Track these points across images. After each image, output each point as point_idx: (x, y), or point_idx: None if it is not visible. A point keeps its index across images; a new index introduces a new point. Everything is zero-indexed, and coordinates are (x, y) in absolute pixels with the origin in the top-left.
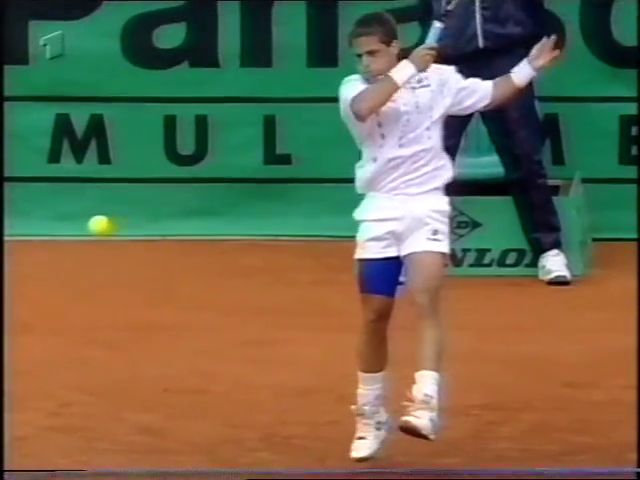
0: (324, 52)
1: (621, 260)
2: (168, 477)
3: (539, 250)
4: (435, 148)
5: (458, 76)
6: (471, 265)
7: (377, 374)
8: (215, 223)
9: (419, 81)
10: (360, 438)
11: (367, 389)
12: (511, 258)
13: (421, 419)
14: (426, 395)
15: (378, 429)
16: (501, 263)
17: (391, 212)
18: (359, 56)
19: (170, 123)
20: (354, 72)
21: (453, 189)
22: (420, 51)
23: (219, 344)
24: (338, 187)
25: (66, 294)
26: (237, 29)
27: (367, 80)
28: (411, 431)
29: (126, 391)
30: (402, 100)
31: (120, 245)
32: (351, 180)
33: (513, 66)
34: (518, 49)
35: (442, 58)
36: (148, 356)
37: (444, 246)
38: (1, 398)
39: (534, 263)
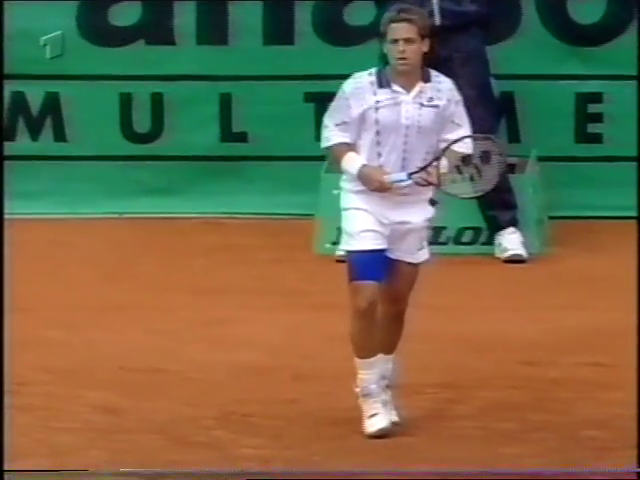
0: (280, 30)
1: (577, 238)
2: (168, 477)
3: (495, 228)
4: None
5: (460, 110)
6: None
7: (374, 358)
8: (172, 201)
9: (429, 99)
10: (373, 415)
11: (368, 373)
12: (467, 236)
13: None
14: (390, 380)
15: (384, 406)
16: (457, 241)
17: (388, 215)
18: (395, 41)
19: (126, 101)
20: (310, 50)
21: None
22: (376, 177)
23: (177, 323)
24: (294, 165)
25: (23, 273)
26: (193, 7)
27: (380, 75)
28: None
29: (84, 370)
30: (406, 114)
31: (77, 223)
32: (307, 158)
33: (469, 43)
34: (474, 27)
35: None
36: (106, 335)
37: (427, 252)
38: (1, 398)
39: (490, 241)
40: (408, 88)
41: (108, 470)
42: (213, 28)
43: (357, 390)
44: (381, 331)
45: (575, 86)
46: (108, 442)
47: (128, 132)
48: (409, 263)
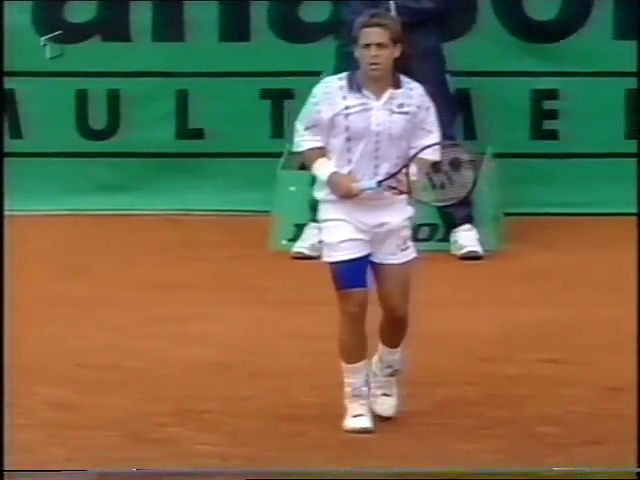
0: (236, 27)
1: (533, 235)
2: (168, 477)
3: (451, 225)
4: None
5: (430, 117)
6: None
7: (361, 363)
8: (128, 198)
9: (400, 106)
10: (357, 416)
11: (356, 377)
12: (423, 233)
13: (391, 396)
14: (395, 370)
15: (369, 409)
16: (413, 238)
17: (363, 219)
18: (367, 46)
19: (82, 97)
20: (266, 47)
21: None
22: (345, 184)
23: (133, 319)
24: (251, 162)
25: None
26: (149, 3)
27: (351, 79)
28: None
29: (40, 367)
30: (376, 120)
31: (33, 220)
32: (264, 155)
33: (425, 40)
34: (431, 24)
35: None
36: (62, 332)
37: (413, 251)
38: (1, 399)
39: (446, 238)
40: (378, 94)
41: (108, 470)
42: (169, 24)
43: (347, 390)
44: (385, 332)
45: (531, 83)
46: (66, 439)
47: (84, 129)
48: (394, 264)
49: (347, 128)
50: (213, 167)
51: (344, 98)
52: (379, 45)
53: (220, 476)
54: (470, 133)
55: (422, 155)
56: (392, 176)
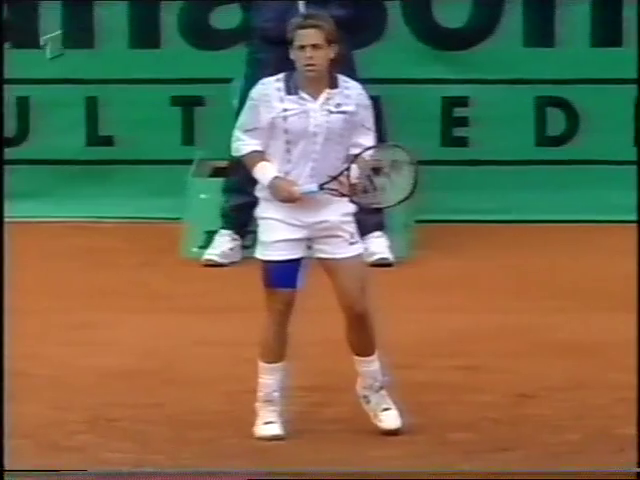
0: (146, 34)
1: (444, 242)
2: (167, 477)
3: (362, 232)
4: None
5: (369, 115)
6: None
7: (279, 364)
8: (38, 205)
9: (337, 105)
10: (268, 423)
11: (272, 378)
12: None
13: (392, 409)
14: (381, 381)
15: (279, 416)
16: None
17: (302, 217)
18: (302, 47)
19: None
20: (176, 54)
21: None
22: (286, 188)
23: (43, 327)
24: (161, 169)
25: None
26: (58, 9)
27: (288, 81)
28: (394, 432)
29: None
30: (314, 121)
31: None
32: (174, 162)
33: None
34: (340, 31)
35: (267, 40)
36: None
37: (361, 247)
38: (1, 398)
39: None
40: (315, 95)
41: (108, 470)
42: (79, 31)
43: (259, 394)
44: (351, 335)
45: (441, 90)
46: None
47: None
48: (344, 258)
49: (286, 131)
50: (123, 174)
51: (281, 100)
52: (314, 46)
53: (220, 476)
54: (380, 139)
55: (364, 156)
56: (333, 179)
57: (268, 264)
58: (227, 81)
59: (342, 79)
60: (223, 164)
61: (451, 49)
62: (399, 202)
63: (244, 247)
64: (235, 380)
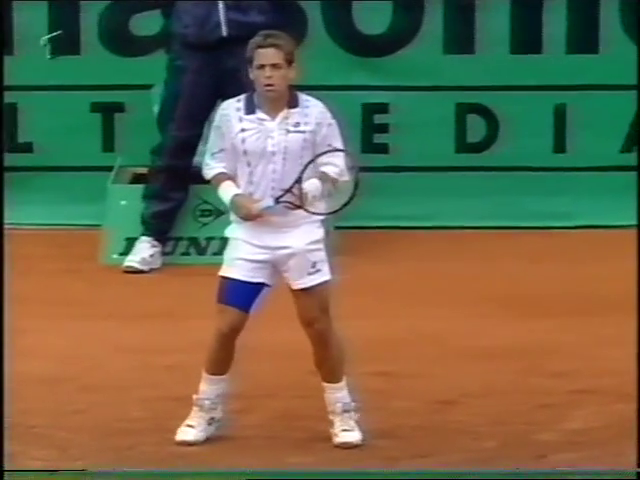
0: (66, 40)
1: (364, 248)
2: (167, 477)
3: None
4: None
5: (333, 133)
6: (215, 253)
7: (218, 377)
8: None
9: (295, 125)
10: (189, 426)
11: (211, 388)
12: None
13: (353, 431)
14: (345, 404)
15: (210, 424)
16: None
17: (267, 240)
18: (261, 67)
19: None
20: (96, 60)
21: (196, 177)
22: (245, 205)
23: None
24: (81, 175)
25: None
26: None
27: (248, 101)
28: (349, 445)
29: None
30: (272, 141)
31: None
32: (94, 169)
33: None
34: None
35: (187, 46)
36: None
37: (325, 273)
38: (1, 398)
39: None
40: (274, 114)
41: (108, 470)
42: None
43: (194, 397)
44: (316, 358)
45: (361, 97)
46: None
47: None
48: (303, 289)
49: (245, 152)
50: (43, 181)
51: (240, 120)
52: (274, 66)
53: (220, 476)
54: None
55: (326, 170)
56: (287, 192)
57: (225, 280)
58: (147, 87)
59: (303, 98)
60: (143, 171)
61: (371, 56)
62: (343, 206)
63: (164, 254)
64: (153, 386)
